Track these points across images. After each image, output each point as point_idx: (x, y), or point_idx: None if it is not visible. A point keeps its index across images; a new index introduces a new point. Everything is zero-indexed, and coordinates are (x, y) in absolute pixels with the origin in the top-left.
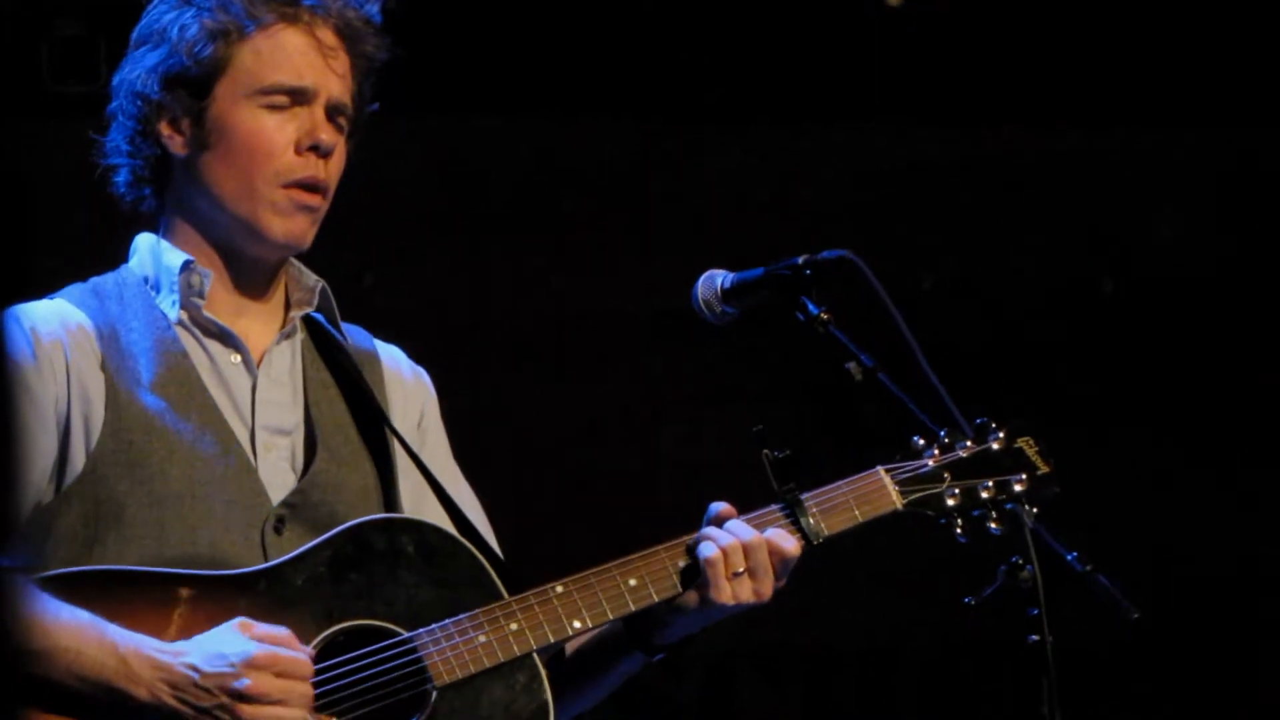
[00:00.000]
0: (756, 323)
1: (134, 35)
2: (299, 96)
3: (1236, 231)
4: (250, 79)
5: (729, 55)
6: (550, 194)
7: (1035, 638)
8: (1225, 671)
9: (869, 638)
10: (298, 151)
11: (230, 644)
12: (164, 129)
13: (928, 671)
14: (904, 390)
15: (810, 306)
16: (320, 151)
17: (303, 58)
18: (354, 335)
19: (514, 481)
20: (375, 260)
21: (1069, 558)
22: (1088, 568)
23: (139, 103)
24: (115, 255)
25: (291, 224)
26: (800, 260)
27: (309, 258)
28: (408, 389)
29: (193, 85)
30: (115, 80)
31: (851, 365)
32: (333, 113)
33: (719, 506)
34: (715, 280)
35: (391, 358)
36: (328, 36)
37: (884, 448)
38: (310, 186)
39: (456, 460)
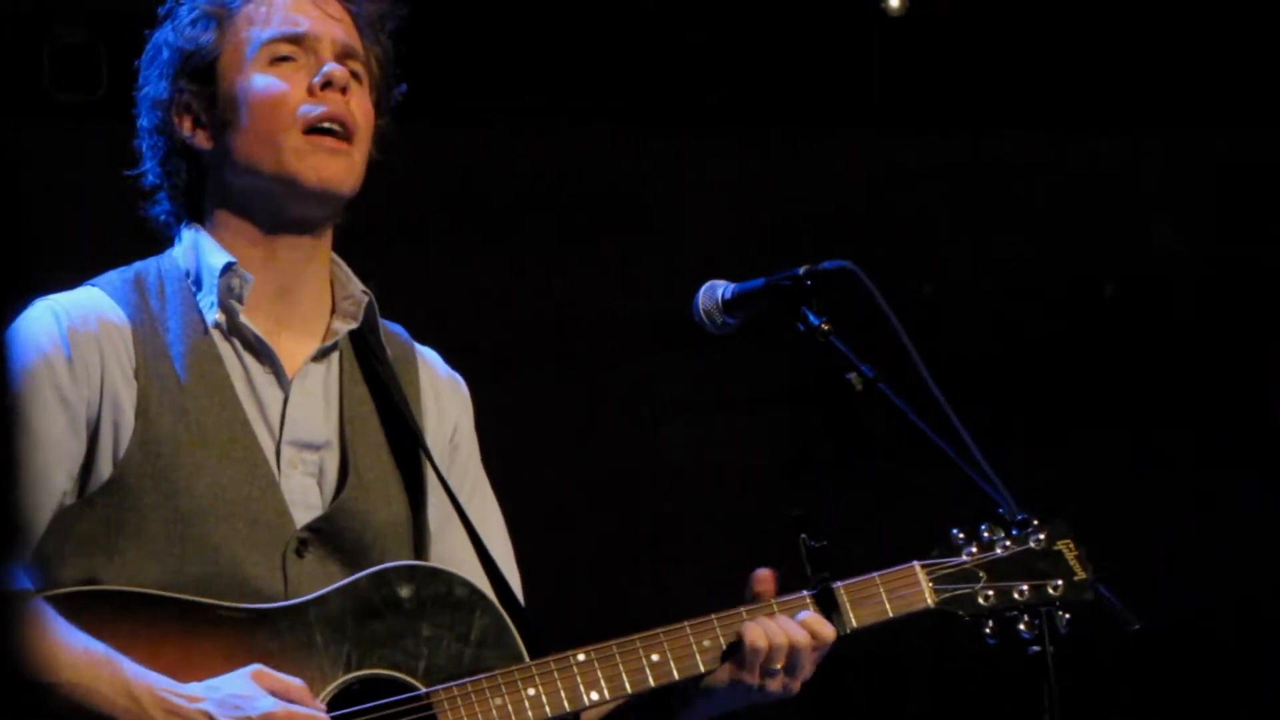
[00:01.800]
0: (756, 329)
1: (141, 64)
2: (299, 41)
3: (1236, 234)
4: (248, 42)
5: (728, 59)
6: (548, 199)
7: (1036, 648)
8: (1226, 676)
9: (871, 645)
10: (311, 93)
11: (245, 694)
12: (186, 128)
13: (929, 679)
14: (905, 400)
15: (811, 317)
16: (334, 85)
17: (295, 7)
18: (395, 336)
19: (512, 487)
20: (374, 267)
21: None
22: (1090, 577)
23: (158, 113)
24: (113, 261)
25: (322, 165)
26: (801, 271)
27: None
28: (443, 398)
29: (198, 72)
30: (137, 114)
31: (852, 375)
32: (342, 55)
33: (762, 573)
34: (716, 291)
35: (428, 364)
36: None
37: (922, 540)
38: (331, 125)
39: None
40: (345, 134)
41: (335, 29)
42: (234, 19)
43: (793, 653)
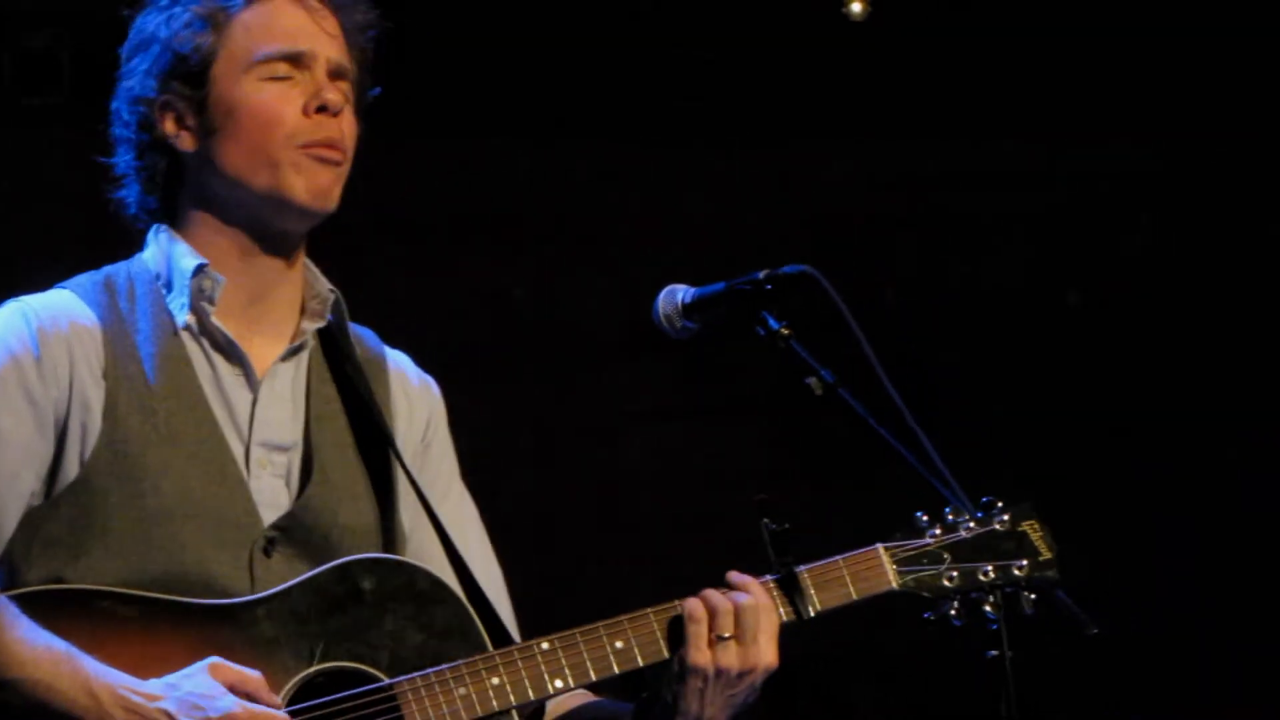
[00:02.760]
0: (718, 336)
1: (124, 51)
2: (297, 61)
3: (1203, 243)
4: (245, 54)
5: (689, 71)
6: (511, 209)
7: (994, 652)
8: (1190, 681)
9: (825, 649)
10: (306, 115)
11: (204, 690)
12: (169, 128)
13: (884, 682)
14: (865, 405)
15: (771, 321)
16: (329, 110)
17: (293, 22)
18: (364, 339)
19: (477, 493)
20: (339, 276)
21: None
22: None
23: (141, 109)
24: (77, 262)
25: (314, 180)
26: (761, 275)
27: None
28: (414, 399)
29: (190, 76)
30: (113, 103)
31: (812, 380)
32: (334, 75)
33: (732, 575)
34: (676, 295)
35: (399, 366)
36: (312, 2)
37: (888, 523)
38: (325, 153)
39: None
40: (337, 149)
41: (331, 48)
42: (231, 24)
43: (738, 615)
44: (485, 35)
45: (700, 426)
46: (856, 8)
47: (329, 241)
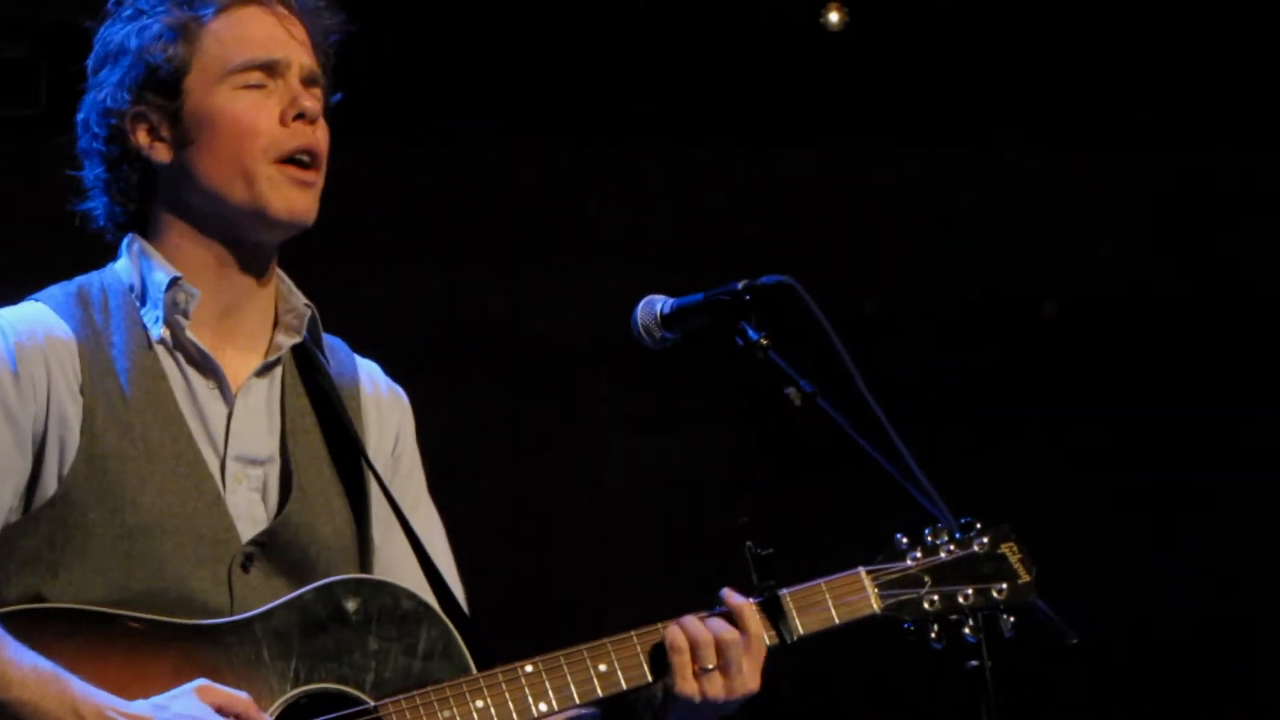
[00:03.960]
0: (699, 346)
1: (91, 62)
2: (271, 70)
3: (1175, 252)
4: (218, 64)
5: (669, 76)
6: (490, 217)
7: (975, 662)
8: (1172, 691)
9: (807, 662)
10: (283, 123)
11: (193, 715)
12: (142, 139)
13: (867, 696)
14: (844, 415)
15: (750, 331)
16: (306, 118)
17: (265, 31)
18: (336, 350)
19: (457, 504)
20: (315, 286)
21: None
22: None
23: (112, 121)
24: (52, 273)
25: (291, 199)
26: (740, 285)
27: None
28: (385, 410)
29: (163, 86)
30: (80, 115)
31: (791, 390)
32: (308, 81)
33: (729, 596)
34: (655, 306)
35: (370, 377)
36: (281, 10)
37: (868, 544)
38: (304, 158)
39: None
40: (314, 164)
41: (303, 54)
42: (202, 34)
43: (721, 649)
44: (460, 39)
45: (680, 438)
46: (834, 17)
47: (304, 250)
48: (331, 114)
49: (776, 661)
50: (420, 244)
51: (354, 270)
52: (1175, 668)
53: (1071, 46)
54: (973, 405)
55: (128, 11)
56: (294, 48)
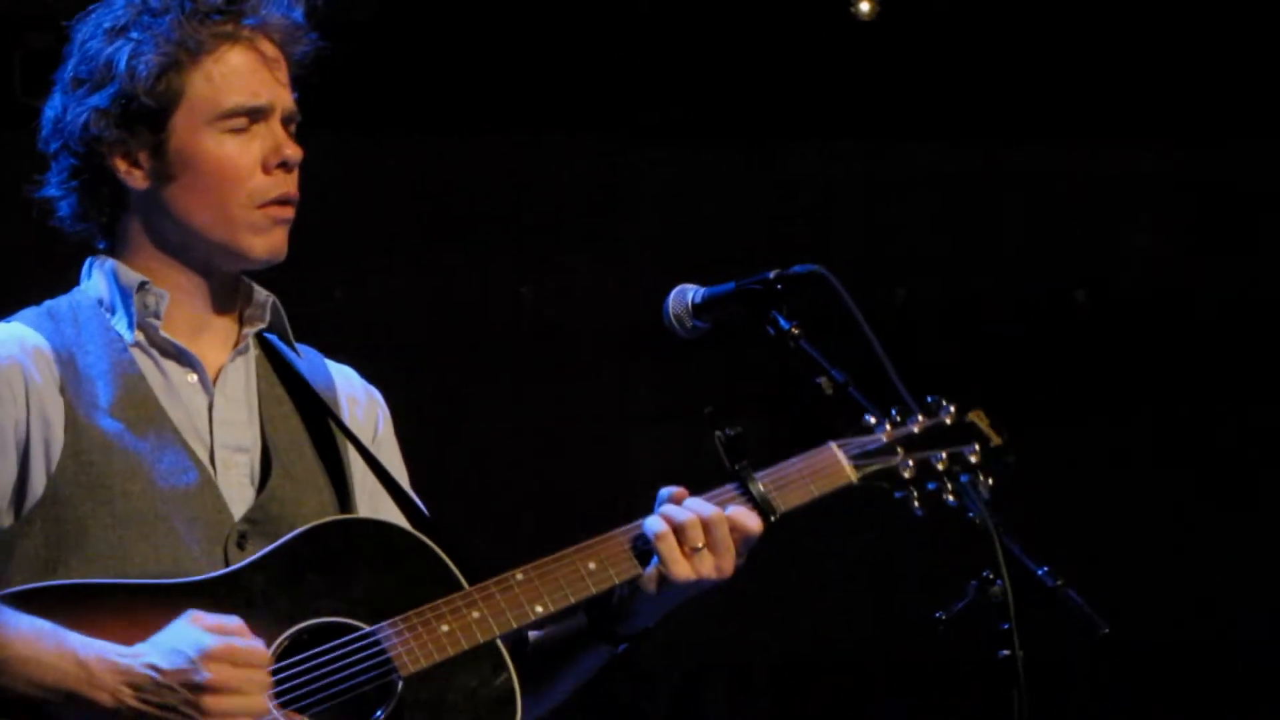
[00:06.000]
0: (726, 335)
1: (68, 72)
2: (256, 115)
3: (1209, 246)
4: (207, 106)
5: (696, 69)
6: (516, 209)
7: (1006, 652)
8: (1197, 684)
9: (839, 650)
10: (266, 171)
11: (185, 638)
12: (120, 164)
13: (898, 684)
14: (875, 405)
15: (781, 321)
16: (288, 168)
17: (254, 75)
18: (307, 355)
19: (479, 494)
20: (345, 276)
21: (1039, 573)
22: (1058, 583)
23: (90, 144)
24: (83, 256)
25: (271, 240)
26: (771, 275)
27: (282, 270)
28: (361, 408)
29: (148, 119)
30: (50, 116)
31: (822, 380)
32: (287, 122)
33: (670, 490)
34: (686, 295)
35: (345, 378)
36: (269, 49)
37: (836, 426)
38: (283, 202)
39: (423, 472)
40: (292, 202)
41: (285, 97)
42: (193, 70)
43: (707, 527)
44: (487, 32)
45: (704, 428)
46: (865, 7)
47: (326, 245)
48: (351, 110)
49: (808, 649)
50: (452, 236)
51: (382, 266)
52: (1210, 664)
53: (1106, 40)
54: (1005, 396)
55: (108, 23)
56: (278, 91)
